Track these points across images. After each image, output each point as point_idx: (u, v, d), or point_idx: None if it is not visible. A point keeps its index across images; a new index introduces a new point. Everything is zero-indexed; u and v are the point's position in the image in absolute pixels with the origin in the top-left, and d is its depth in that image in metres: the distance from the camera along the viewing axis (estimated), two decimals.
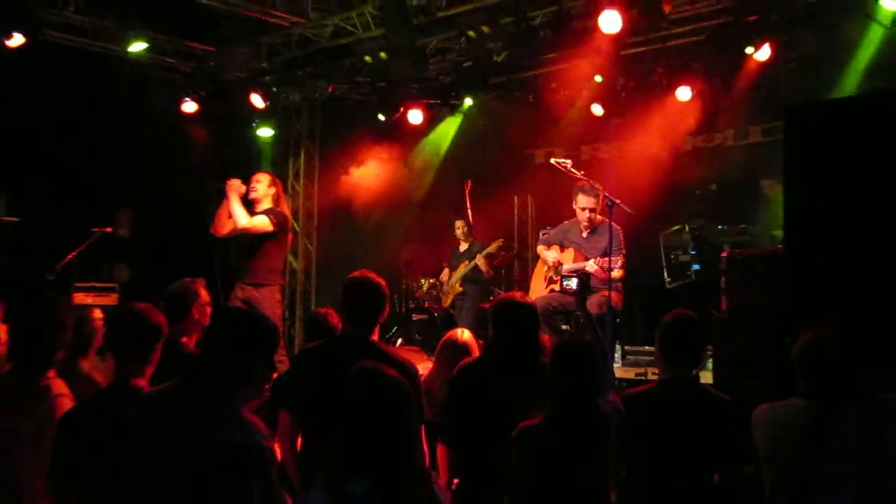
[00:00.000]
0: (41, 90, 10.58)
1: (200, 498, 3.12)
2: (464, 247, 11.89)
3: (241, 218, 8.41)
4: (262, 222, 8.47)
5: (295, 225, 13.49)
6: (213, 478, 3.12)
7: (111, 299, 10.42)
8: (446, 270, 12.06)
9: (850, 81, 9.68)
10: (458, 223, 11.98)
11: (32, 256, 10.62)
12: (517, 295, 5.31)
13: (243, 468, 3.16)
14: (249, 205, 8.62)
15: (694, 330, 4.57)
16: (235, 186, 8.50)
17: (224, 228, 8.54)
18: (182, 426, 3.30)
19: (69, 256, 10.47)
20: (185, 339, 5.20)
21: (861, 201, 5.20)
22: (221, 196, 8.53)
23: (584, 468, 4.17)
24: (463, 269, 11.65)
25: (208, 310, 5.55)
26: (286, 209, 8.84)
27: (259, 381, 3.48)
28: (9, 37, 8.90)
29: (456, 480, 4.83)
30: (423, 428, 4.53)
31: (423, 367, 7.03)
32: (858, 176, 5.24)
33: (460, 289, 11.75)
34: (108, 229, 11.04)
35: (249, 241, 8.63)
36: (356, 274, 5.00)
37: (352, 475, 3.17)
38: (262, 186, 8.71)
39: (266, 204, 8.65)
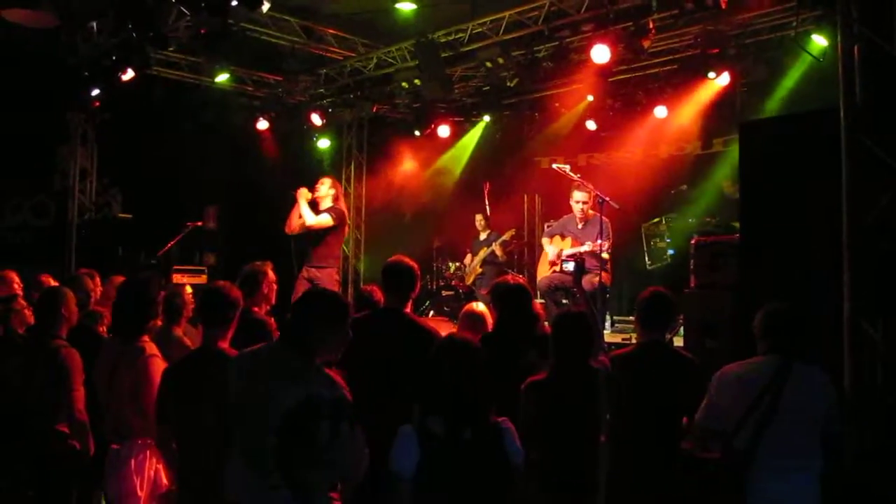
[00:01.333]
0: (147, 113, 10.70)
1: (304, 435, 3.20)
2: (483, 236, 11.85)
3: (308, 217, 8.45)
4: (325, 220, 8.50)
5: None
6: (314, 421, 3.19)
7: (201, 279, 10.47)
8: (469, 255, 12.03)
9: (786, 102, 9.66)
10: (478, 216, 11.96)
11: (141, 245, 10.74)
12: (508, 278, 5.33)
13: (337, 414, 3.23)
14: (314, 204, 8.67)
15: (664, 303, 4.56)
16: (303, 193, 8.54)
17: (295, 227, 8.59)
18: (276, 376, 3.31)
19: (168, 245, 10.58)
20: (256, 310, 5.22)
21: (799, 198, 5.19)
22: (293, 201, 8.60)
23: (579, 415, 4.18)
24: (482, 254, 11.65)
25: (275, 287, 5.57)
26: (343, 206, 8.85)
27: (335, 346, 3.48)
28: (124, 72, 9.00)
29: None
30: None
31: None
32: (797, 178, 5.23)
33: (480, 270, 11.74)
34: (199, 223, 11.15)
35: (316, 233, 8.68)
36: (392, 258, 4.99)
37: (429, 414, 3.30)
38: (324, 188, 8.72)
39: (328, 202, 8.66)
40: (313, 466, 3.24)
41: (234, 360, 3.57)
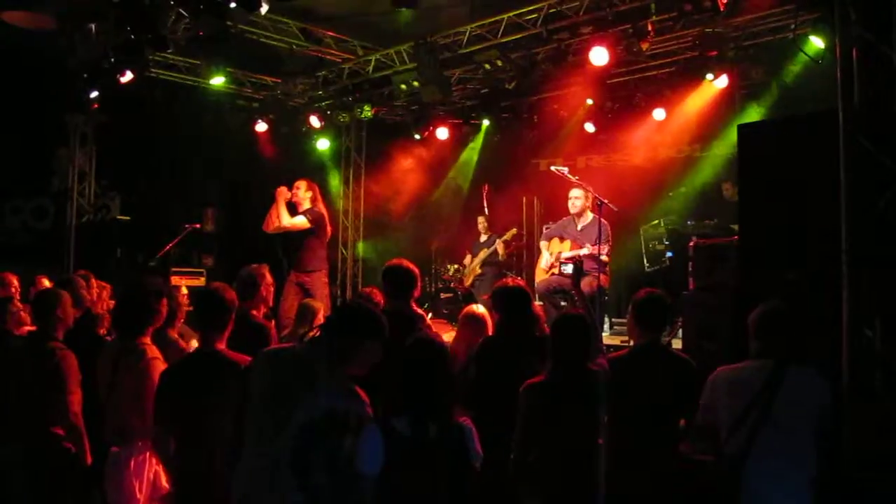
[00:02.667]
0: (146, 116, 10.69)
1: (327, 446, 3.22)
2: (483, 238, 11.84)
3: (284, 218, 8.48)
4: (301, 221, 8.51)
5: (345, 220, 13.63)
6: (339, 433, 3.22)
7: (200, 281, 10.48)
8: (469, 256, 12.01)
9: (784, 104, 9.66)
10: (480, 218, 11.96)
11: (140, 247, 10.74)
12: (508, 281, 5.35)
13: (360, 428, 3.25)
14: (293, 206, 8.67)
15: (660, 305, 4.54)
16: (282, 192, 8.55)
17: (271, 226, 8.58)
18: (304, 384, 3.31)
19: (167, 247, 10.58)
20: (254, 312, 5.22)
21: (798, 200, 5.18)
22: (272, 200, 8.62)
23: (577, 417, 4.17)
24: (483, 255, 11.62)
25: (272, 289, 5.58)
26: (321, 208, 8.81)
27: (366, 362, 3.44)
28: (122, 74, 8.99)
29: None
30: None
31: (449, 335, 7.06)
32: (795, 180, 5.22)
33: (479, 271, 11.70)
34: (197, 225, 11.14)
35: (297, 238, 8.65)
36: (393, 261, 5.01)
37: (393, 413, 3.31)
38: (301, 192, 8.71)
39: (306, 205, 8.65)
40: (329, 475, 3.24)
41: (258, 360, 3.54)
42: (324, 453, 3.21)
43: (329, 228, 8.91)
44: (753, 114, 9.83)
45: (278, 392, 3.33)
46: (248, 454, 3.37)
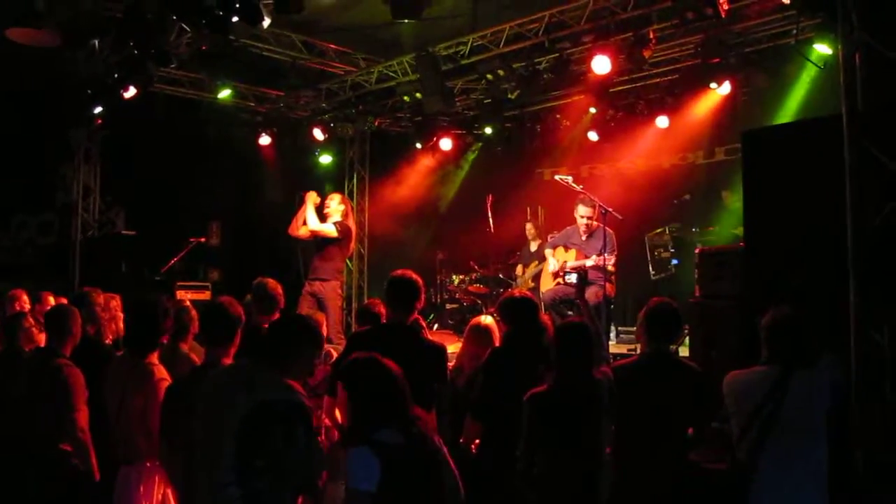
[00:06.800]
0: (149, 130, 10.72)
1: (261, 439, 3.28)
2: (533, 246, 11.45)
3: (312, 221, 8.57)
4: (329, 229, 8.63)
5: None
6: (270, 425, 3.29)
7: (205, 295, 10.46)
8: (520, 266, 11.61)
9: (789, 110, 9.68)
10: (529, 225, 11.61)
11: (145, 262, 10.74)
12: (515, 292, 5.34)
13: (292, 417, 3.33)
14: (322, 218, 8.73)
15: (671, 315, 4.51)
16: (312, 197, 8.71)
17: (298, 230, 8.74)
18: (234, 385, 3.42)
19: (172, 261, 10.59)
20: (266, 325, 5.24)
21: (803, 206, 5.17)
22: (301, 203, 8.73)
23: (582, 426, 4.16)
24: (534, 267, 11.17)
25: (283, 302, 5.62)
26: (351, 222, 8.92)
27: (303, 367, 3.60)
28: (126, 89, 9.01)
29: (477, 441, 4.81)
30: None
31: (455, 346, 7.03)
32: (800, 185, 5.21)
33: (532, 284, 10.98)
34: (202, 239, 11.15)
35: (318, 245, 8.74)
36: (397, 272, 4.98)
37: (381, 426, 3.31)
38: (334, 203, 8.83)
39: (335, 217, 8.75)
40: (270, 474, 3.28)
41: (210, 377, 3.67)
42: (259, 447, 3.27)
43: (352, 245, 9.00)
44: (757, 119, 9.82)
45: (215, 399, 3.44)
46: (197, 464, 3.48)
